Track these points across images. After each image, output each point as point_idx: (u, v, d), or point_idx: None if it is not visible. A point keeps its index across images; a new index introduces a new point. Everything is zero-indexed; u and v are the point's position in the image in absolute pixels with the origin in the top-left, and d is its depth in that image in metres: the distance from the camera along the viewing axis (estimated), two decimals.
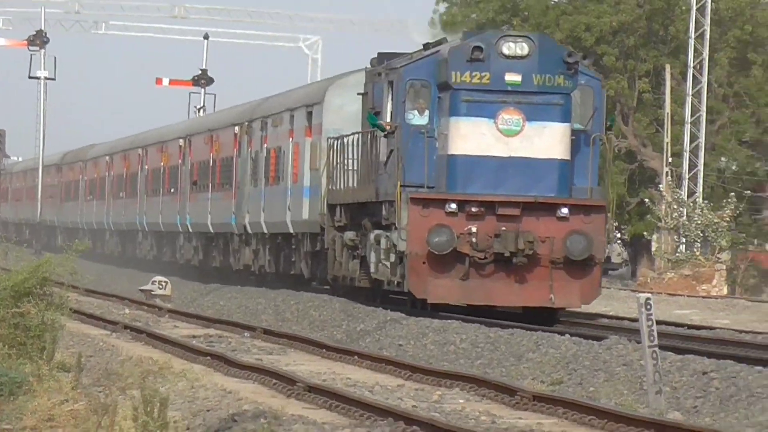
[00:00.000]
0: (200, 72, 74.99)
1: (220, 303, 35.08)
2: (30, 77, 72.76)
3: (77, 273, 17.88)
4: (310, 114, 29.49)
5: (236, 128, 38.89)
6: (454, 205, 21.86)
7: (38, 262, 17.19)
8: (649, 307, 12.97)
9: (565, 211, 22.04)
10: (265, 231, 34.35)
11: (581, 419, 11.83)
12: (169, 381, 15.49)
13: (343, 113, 26.65)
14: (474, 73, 22.13)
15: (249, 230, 36.10)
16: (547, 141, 22.17)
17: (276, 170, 33.26)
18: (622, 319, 26.10)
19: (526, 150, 22.15)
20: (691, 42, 52.26)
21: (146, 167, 53.13)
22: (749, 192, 53.63)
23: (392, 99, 23.44)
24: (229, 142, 39.63)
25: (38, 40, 71.39)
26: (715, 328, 24.48)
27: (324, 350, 20.94)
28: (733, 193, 50.47)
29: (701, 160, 52.77)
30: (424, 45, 25.13)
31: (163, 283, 37.41)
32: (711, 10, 52.20)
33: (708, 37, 52.41)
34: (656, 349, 13.04)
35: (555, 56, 22.27)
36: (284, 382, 15.12)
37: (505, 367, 18.62)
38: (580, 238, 21.68)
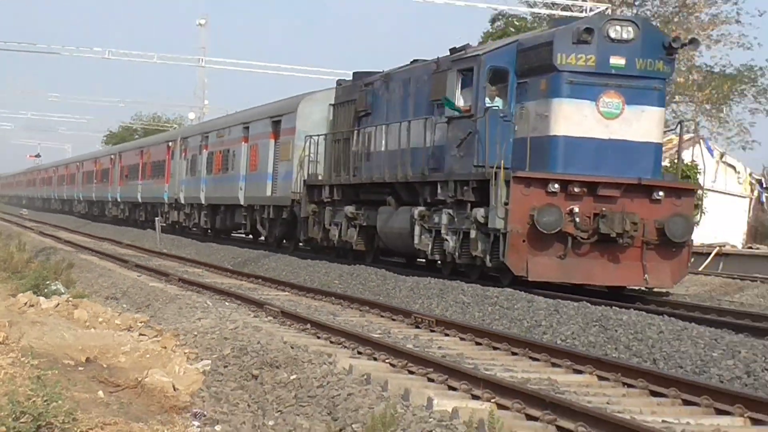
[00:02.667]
0: None
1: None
2: None
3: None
4: (276, 122, 36.92)
5: (170, 143, 53.34)
6: (557, 185, 21.89)
7: None
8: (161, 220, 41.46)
9: (660, 193, 22.42)
10: (203, 202, 45.30)
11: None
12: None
13: (312, 119, 33.59)
14: (579, 56, 22.27)
15: (182, 201, 48.50)
16: (644, 124, 22.61)
17: (222, 164, 42.87)
18: None
19: (625, 133, 22.49)
20: None
21: (81, 171, 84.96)
22: None
23: (463, 86, 24.18)
24: (162, 152, 54.48)
25: None
26: None
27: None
28: None
29: None
30: (450, 50, 26.64)
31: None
32: None
33: None
34: (162, 224, 43.50)
35: (657, 41, 22.70)
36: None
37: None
38: (682, 221, 22.25)
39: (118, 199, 65.53)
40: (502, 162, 21.94)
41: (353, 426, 10.46)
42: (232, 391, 13.15)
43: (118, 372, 13.45)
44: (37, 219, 76.58)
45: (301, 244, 35.36)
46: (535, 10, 45.21)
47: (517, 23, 44.69)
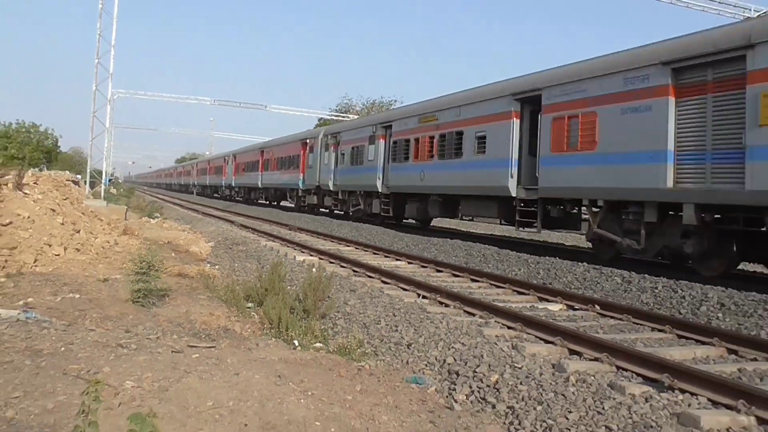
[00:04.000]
0: None
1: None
2: None
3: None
4: None
5: (308, 140, 38.14)
6: None
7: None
8: None
9: None
10: (380, 190, 27.46)
11: None
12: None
13: None
14: None
15: (330, 188, 33.28)
16: None
17: (440, 150, 22.96)
18: None
19: None
20: None
21: (196, 169, 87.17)
22: None
23: None
24: (294, 149, 41.02)
25: None
26: None
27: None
28: None
29: None
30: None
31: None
32: None
33: None
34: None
35: None
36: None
37: None
38: None
39: (232, 185, 61.40)
40: None
41: (266, 266, 13.95)
42: (222, 253, 18.02)
43: (179, 246, 18.15)
44: (154, 192, 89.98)
45: None
46: (332, 117, 64.71)
47: (328, 122, 59.05)
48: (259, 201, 52.70)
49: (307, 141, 38.19)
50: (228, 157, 64.62)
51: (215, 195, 71.16)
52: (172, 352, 6.70)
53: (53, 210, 13.91)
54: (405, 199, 26.03)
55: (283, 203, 49.09)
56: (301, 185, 38.80)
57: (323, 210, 37.51)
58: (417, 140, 24.20)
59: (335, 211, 35.48)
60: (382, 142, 27.74)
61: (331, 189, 33.18)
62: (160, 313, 8.96)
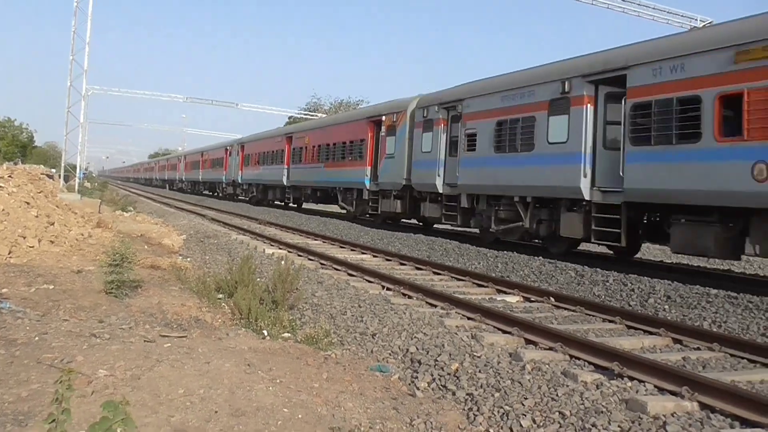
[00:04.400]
0: None
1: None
2: None
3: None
4: None
5: (384, 116, 25.10)
6: None
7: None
8: None
9: None
10: (587, 197, 14.19)
11: None
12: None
13: None
14: None
15: (439, 190, 20.30)
16: None
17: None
18: None
19: None
20: None
21: (183, 162, 70.96)
22: None
23: None
24: (353, 133, 27.82)
25: None
26: None
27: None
28: None
29: None
30: None
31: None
32: None
33: None
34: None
35: None
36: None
37: None
38: None
39: (239, 181, 46.37)
40: None
41: (237, 258, 13.84)
42: (193, 245, 17.69)
43: (152, 239, 17.75)
44: (127, 186, 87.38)
45: None
46: (301, 115, 62.81)
47: (298, 121, 61.09)
48: (275, 203, 39.67)
49: (382, 118, 25.29)
50: (232, 147, 48.89)
51: (205, 192, 57.77)
52: (145, 341, 6.60)
53: (28, 203, 13.57)
54: (665, 214, 13.36)
55: (306, 206, 36.66)
56: (367, 183, 26.04)
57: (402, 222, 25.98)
58: (728, 98, 11.42)
59: (449, 226, 22.26)
60: (588, 108, 14.94)
61: (440, 191, 20.77)
62: (132, 304, 8.86)
